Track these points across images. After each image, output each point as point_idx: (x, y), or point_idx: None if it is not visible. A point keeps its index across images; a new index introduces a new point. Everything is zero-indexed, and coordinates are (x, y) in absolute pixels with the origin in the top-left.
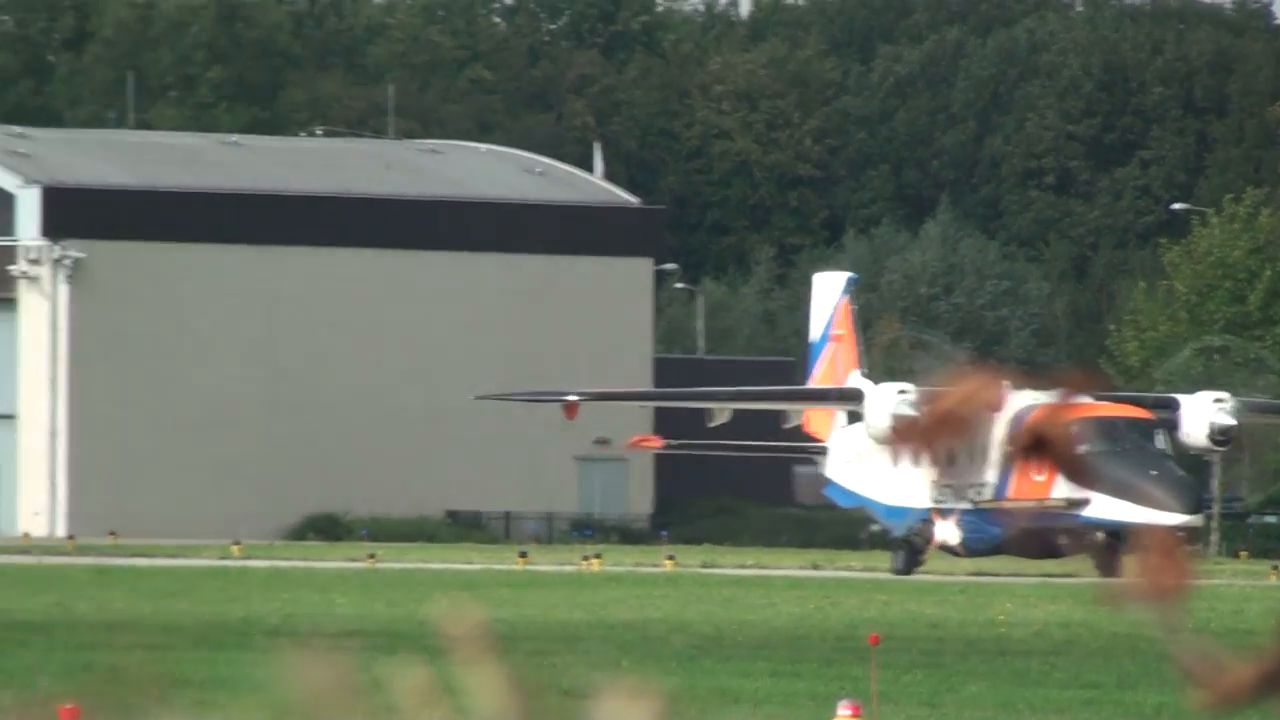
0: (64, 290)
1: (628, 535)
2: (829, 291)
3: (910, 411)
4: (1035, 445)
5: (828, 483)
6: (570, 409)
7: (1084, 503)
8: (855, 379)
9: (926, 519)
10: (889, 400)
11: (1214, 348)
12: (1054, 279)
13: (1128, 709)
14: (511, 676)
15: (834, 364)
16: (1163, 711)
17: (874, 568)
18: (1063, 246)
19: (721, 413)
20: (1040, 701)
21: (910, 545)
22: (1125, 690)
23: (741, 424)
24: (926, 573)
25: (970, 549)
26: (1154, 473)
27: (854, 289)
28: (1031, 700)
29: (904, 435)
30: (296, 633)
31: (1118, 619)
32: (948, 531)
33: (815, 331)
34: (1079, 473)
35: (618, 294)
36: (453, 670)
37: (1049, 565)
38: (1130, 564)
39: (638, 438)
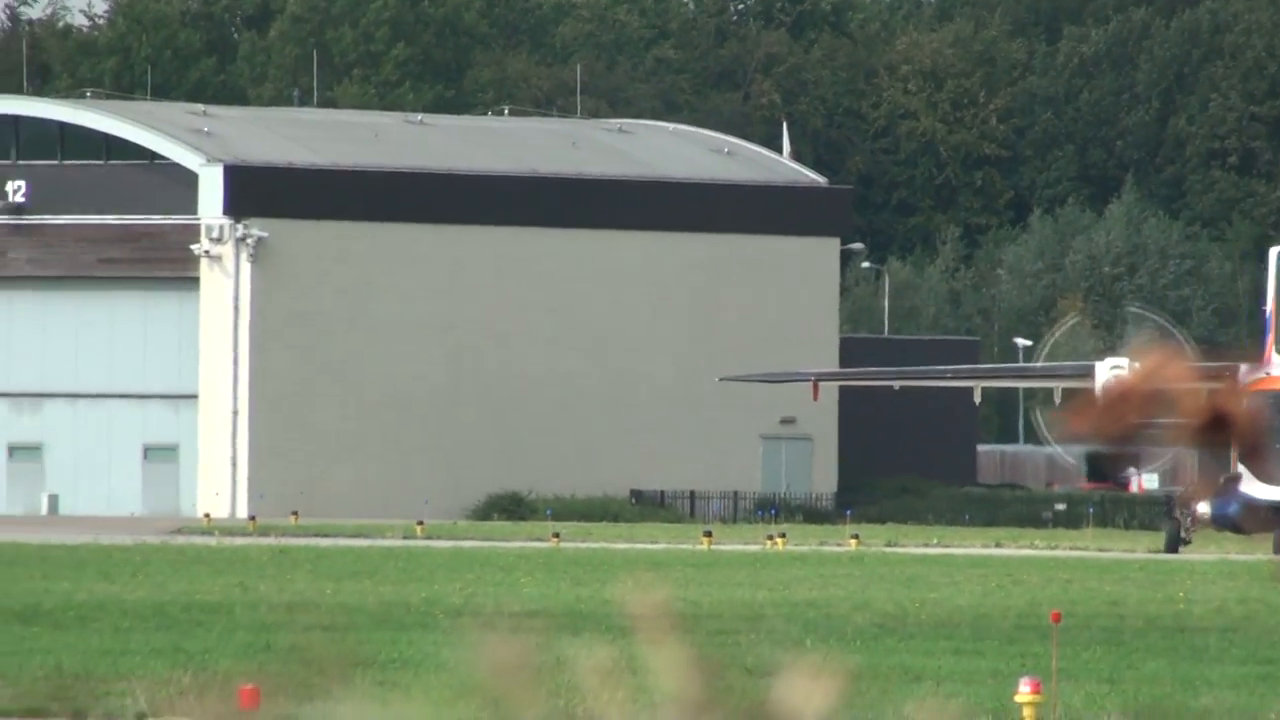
0: (246, 269)
1: (812, 514)
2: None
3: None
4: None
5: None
6: (815, 389)
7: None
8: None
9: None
10: (1102, 376)
11: None
12: (1236, 259)
13: None
14: (696, 656)
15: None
16: None
17: (1056, 544)
18: (1245, 226)
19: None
20: (1218, 678)
21: (1175, 524)
22: None
23: (926, 401)
24: (1106, 550)
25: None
26: None
27: None
28: (1209, 676)
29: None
30: (480, 613)
31: None
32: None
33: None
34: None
35: (804, 274)
36: (638, 649)
37: (1229, 543)
38: None
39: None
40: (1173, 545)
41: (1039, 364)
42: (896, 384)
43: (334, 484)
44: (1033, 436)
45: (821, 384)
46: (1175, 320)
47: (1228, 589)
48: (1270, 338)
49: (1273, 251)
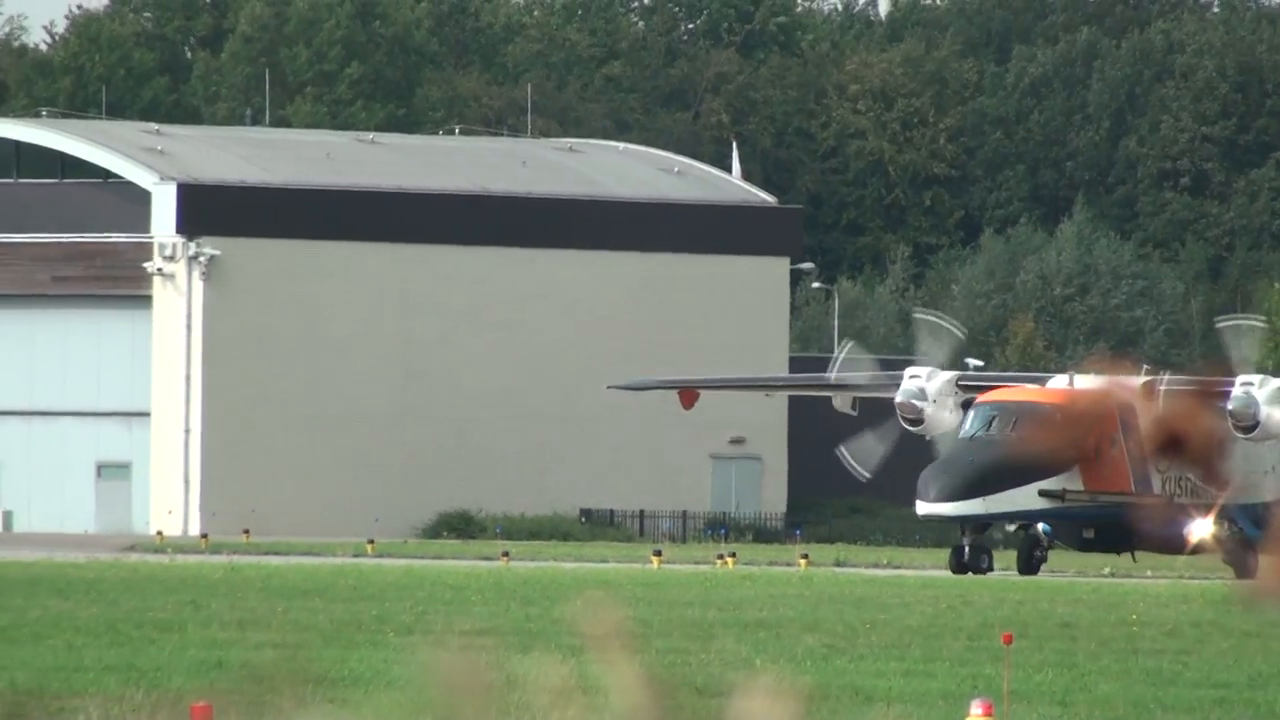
0: (199, 287)
1: (762, 534)
2: None
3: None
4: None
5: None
6: (685, 396)
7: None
8: None
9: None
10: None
11: None
12: (1189, 280)
13: (1259, 709)
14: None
15: None
16: None
17: (1008, 566)
18: (1198, 248)
19: (845, 403)
20: (1172, 700)
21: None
22: (1257, 690)
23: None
24: (1054, 571)
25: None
26: None
27: None
28: (1163, 699)
29: None
30: (430, 631)
31: (1249, 618)
32: (1204, 529)
33: None
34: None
35: (754, 293)
36: (589, 667)
37: (1180, 564)
38: (1264, 564)
39: None
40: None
41: (833, 375)
42: (786, 395)
43: (285, 502)
44: None
45: (769, 402)
46: (1124, 341)
47: (1181, 611)
48: None
49: None
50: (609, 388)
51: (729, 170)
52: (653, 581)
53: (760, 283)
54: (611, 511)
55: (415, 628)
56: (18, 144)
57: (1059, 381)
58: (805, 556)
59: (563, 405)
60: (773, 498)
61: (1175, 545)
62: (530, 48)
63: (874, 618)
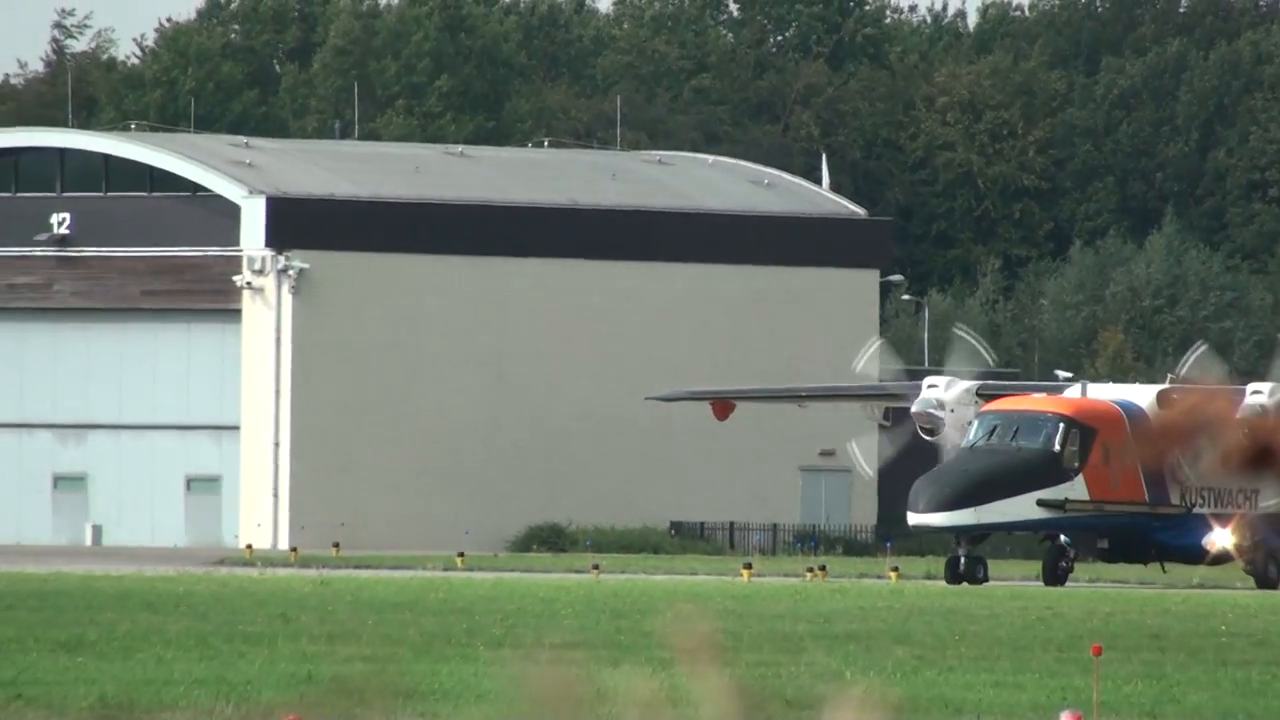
0: (288, 301)
1: (852, 547)
2: None
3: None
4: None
5: None
6: (718, 408)
7: None
8: None
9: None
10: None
11: None
12: (1278, 291)
13: None
14: (737, 687)
15: None
16: None
17: (1098, 578)
18: None
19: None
20: (1261, 712)
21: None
22: None
23: None
24: (1150, 582)
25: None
26: None
27: None
28: (1252, 710)
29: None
30: (520, 644)
31: None
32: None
33: None
34: None
35: (844, 305)
36: (679, 680)
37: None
38: None
39: None
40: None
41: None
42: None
43: (375, 515)
44: None
45: (860, 414)
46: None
47: (1270, 622)
48: None
49: None
50: (646, 399)
51: (819, 182)
52: (743, 594)
53: (850, 295)
54: (701, 524)
55: (505, 641)
56: (107, 158)
57: (1073, 392)
58: (896, 569)
59: (652, 418)
60: (863, 510)
61: (1195, 555)
62: (619, 60)
63: (964, 629)
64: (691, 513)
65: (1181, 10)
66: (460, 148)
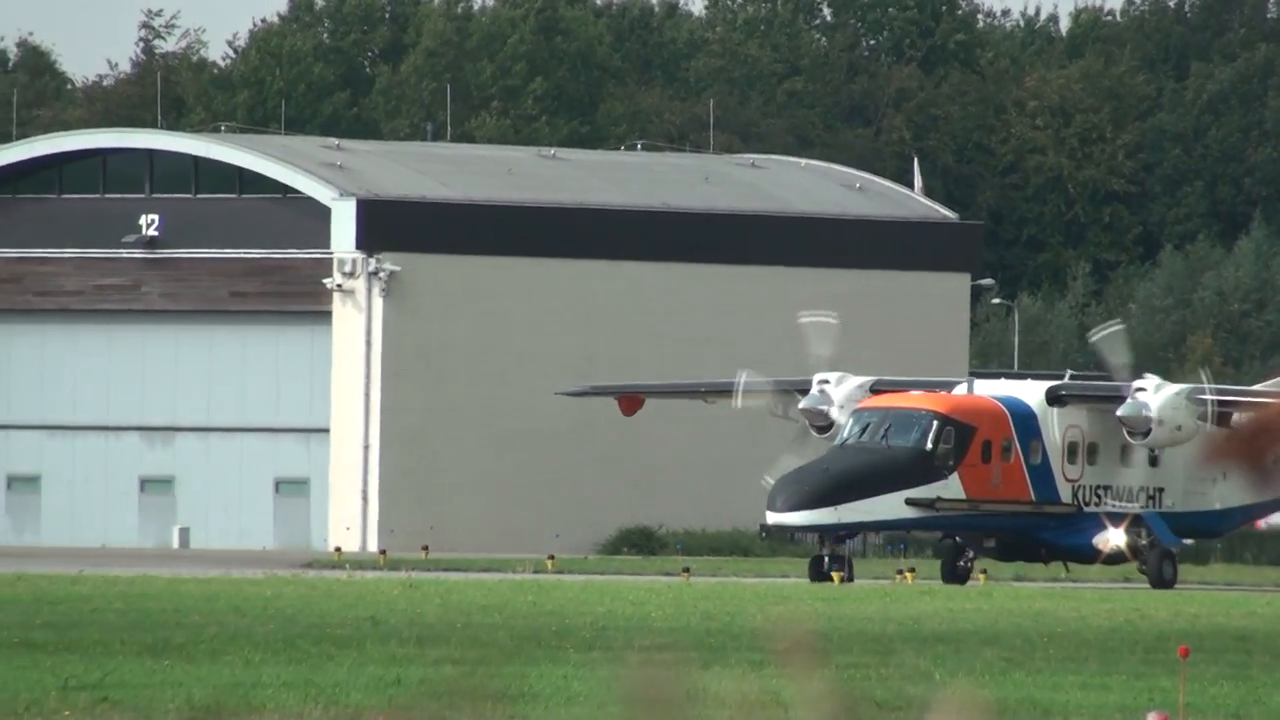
0: (378, 303)
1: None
2: None
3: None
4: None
5: None
6: (624, 403)
7: None
8: None
9: None
10: None
11: None
12: None
13: None
14: (830, 688)
15: None
16: None
17: (1185, 580)
18: None
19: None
20: None
21: None
22: None
23: None
24: (1232, 584)
25: None
26: None
27: None
28: None
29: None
30: (611, 647)
31: None
32: None
33: None
34: None
35: (935, 309)
36: (772, 682)
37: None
38: None
39: None
40: None
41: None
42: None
43: (464, 518)
44: None
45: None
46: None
47: None
48: None
49: None
50: (556, 394)
51: (910, 186)
52: (833, 597)
53: (941, 298)
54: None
55: (595, 644)
56: (196, 159)
57: (960, 390)
58: (984, 571)
59: (743, 420)
60: None
61: (1085, 555)
62: (712, 63)
63: (1051, 631)
64: None
65: (1270, 15)
66: (553, 150)
